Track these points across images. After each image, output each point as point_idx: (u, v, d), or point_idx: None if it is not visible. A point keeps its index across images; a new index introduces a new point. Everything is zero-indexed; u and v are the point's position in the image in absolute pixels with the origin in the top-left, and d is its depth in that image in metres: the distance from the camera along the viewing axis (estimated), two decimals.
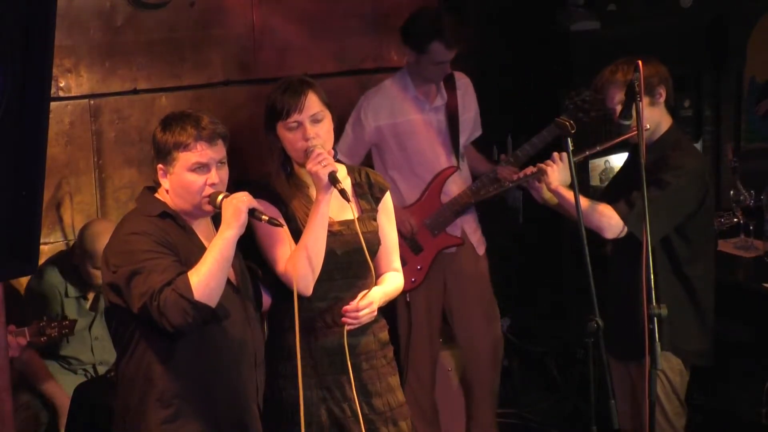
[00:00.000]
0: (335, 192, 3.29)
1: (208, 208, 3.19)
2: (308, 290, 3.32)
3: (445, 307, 4.93)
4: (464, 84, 4.85)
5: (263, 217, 3.14)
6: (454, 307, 4.92)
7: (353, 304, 3.38)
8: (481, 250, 4.90)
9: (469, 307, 4.90)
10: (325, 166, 3.26)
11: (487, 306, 4.93)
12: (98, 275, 4.34)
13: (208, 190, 3.16)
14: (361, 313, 3.37)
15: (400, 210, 4.65)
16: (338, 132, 3.49)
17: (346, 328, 3.38)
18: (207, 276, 3.04)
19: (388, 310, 4.80)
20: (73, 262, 4.57)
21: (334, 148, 3.41)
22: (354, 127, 4.75)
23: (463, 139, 4.81)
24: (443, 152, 4.76)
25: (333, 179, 3.26)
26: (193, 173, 3.15)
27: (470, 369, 5.01)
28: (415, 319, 4.86)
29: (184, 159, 3.15)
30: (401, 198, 4.75)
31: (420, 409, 4.89)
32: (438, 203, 4.72)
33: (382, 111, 4.73)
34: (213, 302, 3.06)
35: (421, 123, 4.74)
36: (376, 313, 3.44)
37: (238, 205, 3.10)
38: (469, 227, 4.85)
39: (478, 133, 4.93)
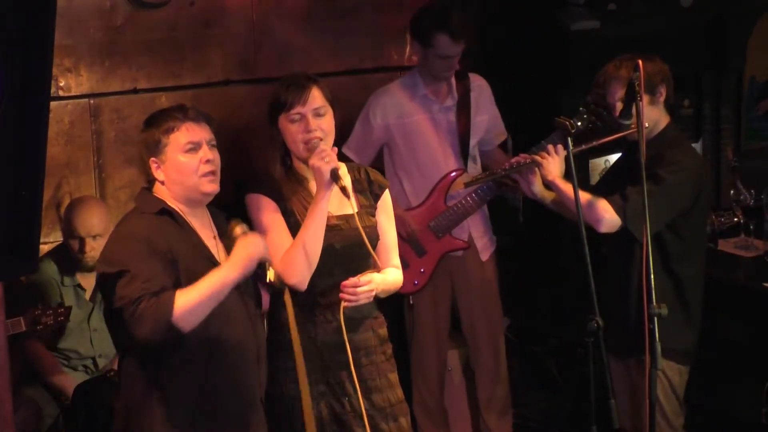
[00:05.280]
0: (334, 188, 3.30)
1: (209, 187, 3.18)
2: (303, 285, 3.33)
3: (455, 308, 4.89)
4: (479, 86, 4.77)
5: (269, 270, 3.18)
6: (462, 310, 4.88)
7: (352, 279, 3.36)
8: (485, 255, 4.81)
9: (473, 311, 4.86)
10: (327, 162, 3.28)
11: (490, 311, 4.87)
12: (93, 245, 4.44)
13: (204, 168, 3.17)
14: (359, 289, 3.35)
15: (402, 211, 4.61)
16: (338, 132, 3.49)
17: (343, 304, 3.36)
18: (194, 303, 3.03)
19: (395, 311, 4.82)
20: (71, 248, 4.54)
21: (337, 146, 3.42)
22: (363, 126, 4.70)
23: (474, 141, 4.73)
24: (452, 153, 4.69)
25: (335, 176, 3.27)
26: (185, 154, 3.17)
27: (475, 373, 4.97)
28: (420, 321, 4.80)
29: (175, 141, 3.17)
30: (407, 199, 4.70)
31: (428, 411, 4.87)
32: (443, 205, 4.65)
33: (391, 109, 4.67)
34: (187, 329, 3.04)
35: (430, 123, 4.68)
36: (373, 295, 3.42)
37: (253, 254, 3.11)
38: (477, 231, 4.77)
39: (503, 137, 4.83)
